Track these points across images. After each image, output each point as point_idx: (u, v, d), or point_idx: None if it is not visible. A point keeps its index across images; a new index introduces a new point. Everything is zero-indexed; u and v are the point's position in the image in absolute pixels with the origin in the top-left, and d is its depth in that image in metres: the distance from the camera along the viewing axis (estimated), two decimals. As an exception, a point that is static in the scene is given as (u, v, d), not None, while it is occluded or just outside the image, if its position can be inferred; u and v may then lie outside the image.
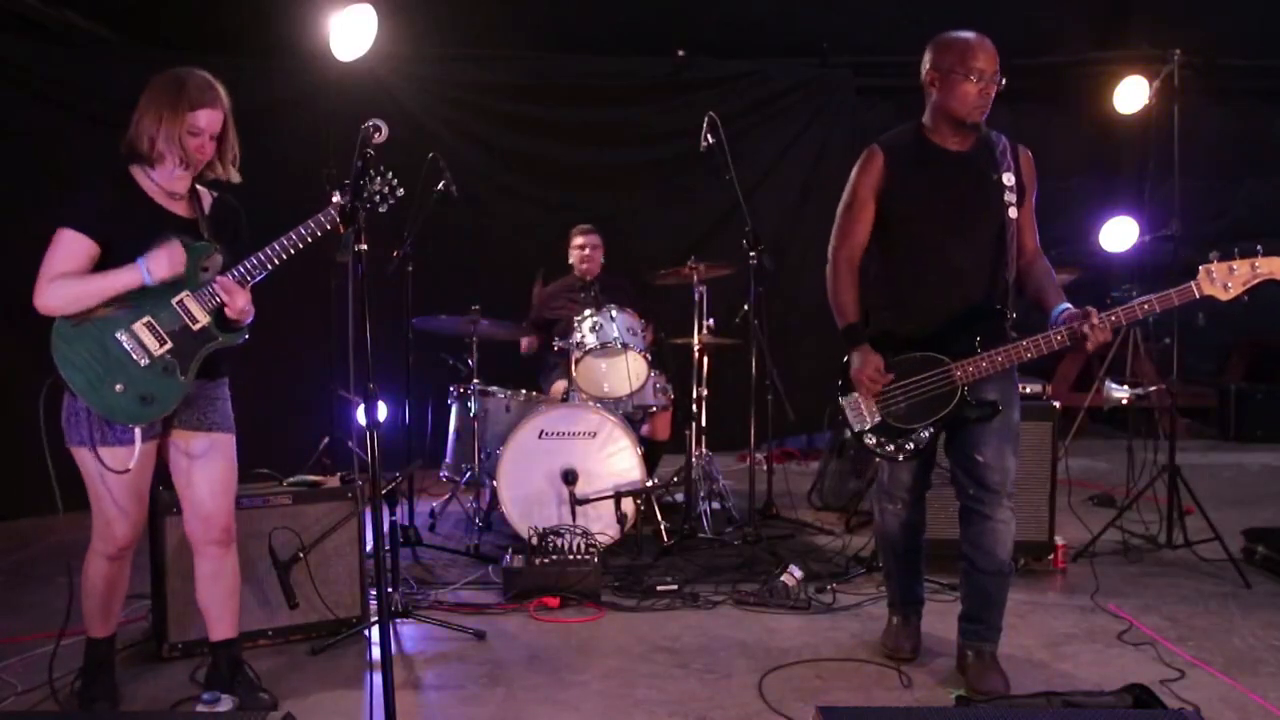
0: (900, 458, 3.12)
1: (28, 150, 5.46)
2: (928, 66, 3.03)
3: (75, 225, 2.67)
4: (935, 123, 3.07)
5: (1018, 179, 3.04)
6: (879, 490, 3.36)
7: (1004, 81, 2.99)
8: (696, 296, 5.03)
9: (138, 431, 2.72)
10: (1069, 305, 2.97)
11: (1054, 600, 3.97)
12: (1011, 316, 3.05)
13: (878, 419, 3.10)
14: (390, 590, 3.65)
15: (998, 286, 3.05)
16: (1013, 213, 3.02)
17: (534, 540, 4.06)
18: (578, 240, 5.60)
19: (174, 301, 2.73)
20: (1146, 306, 2.86)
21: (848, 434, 3.19)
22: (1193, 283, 2.87)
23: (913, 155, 3.07)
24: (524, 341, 5.62)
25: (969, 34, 3.00)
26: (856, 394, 3.12)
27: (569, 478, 4.49)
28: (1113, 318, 2.86)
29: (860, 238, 3.13)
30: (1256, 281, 2.84)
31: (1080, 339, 2.86)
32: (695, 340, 5.04)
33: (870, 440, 3.13)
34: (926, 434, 3.08)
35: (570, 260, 5.63)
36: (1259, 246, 2.83)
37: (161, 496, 3.22)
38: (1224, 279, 2.84)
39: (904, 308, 3.10)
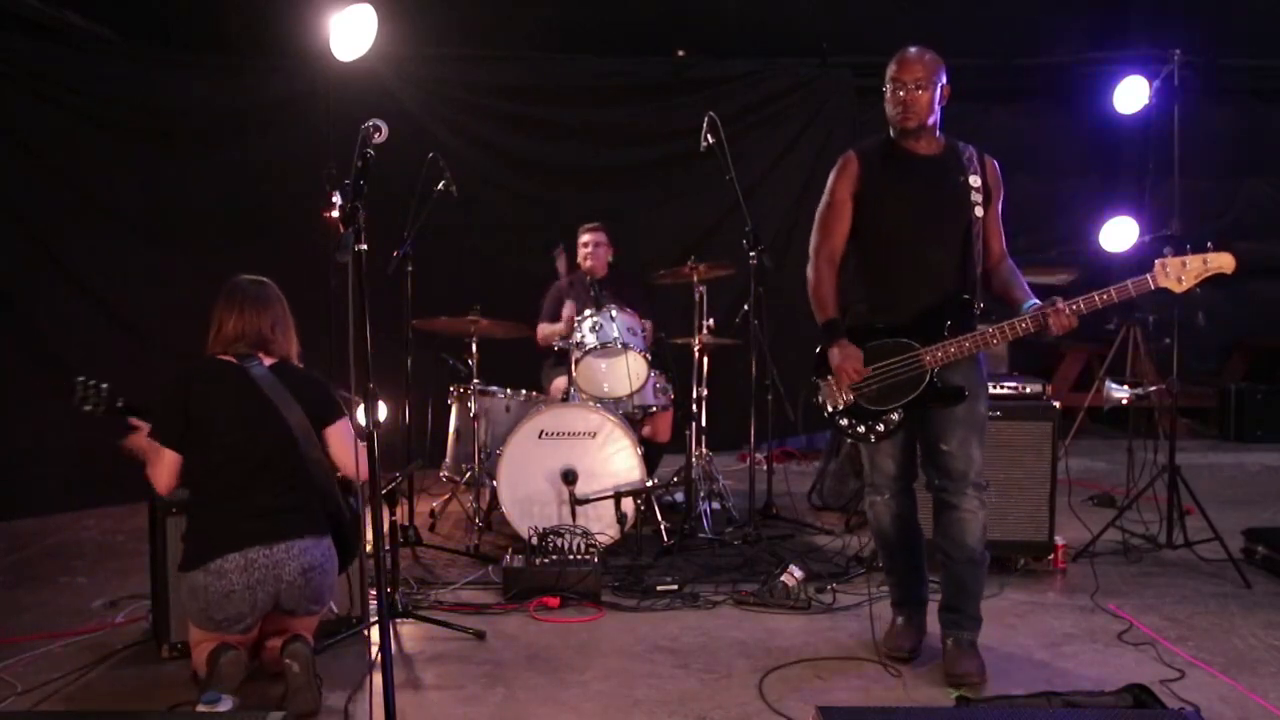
0: (872, 439, 3.24)
1: (28, 150, 5.46)
2: None
3: None
4: (895, 131, 3.22)
5: (984, 181, 3.20)
6: (866, 484, 3.44)
7: (941, 87, 3.11)
8: (696, 296, 5.03)
9: None
10: (1036, 300, 3.12)
11: (1054, 600, 3.97)
12: (979, 306, 3.19)
13: (851, 400, 3.21)
14: (390, 590, 3.65)
15: (967, 279, 3.19)
16: (978, 211, 3.18)
17: (534, 540, 4.06)
18: (584, 238, 5.60)
19: None
20: (1105, 297, 3.02)
21: (826, 413, 3.28)
22: (1148, 275, 3.05)
23: (885, 160, 3.24)
24: (558, 326, 5.31)
25: (907, 48, 3.15)
26: (832, 377, 3.24)
27: (569, 478, 4.49)
28: (1074, 305, 3.01)
29: (840, 238, 3.29)
30: (1207, 274, 3.05)
31: (1045, 325, 3.02)
32: (695, 340, 5.04)
33: (843, 422, 3.26)
34: (896, 415, 3.19)
35: (578, 258, 5.63)
36: (1209, 243, 3.04)
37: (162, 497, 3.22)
38: (1177, 272, 3.04)
39: (880, 300, 3.25)
